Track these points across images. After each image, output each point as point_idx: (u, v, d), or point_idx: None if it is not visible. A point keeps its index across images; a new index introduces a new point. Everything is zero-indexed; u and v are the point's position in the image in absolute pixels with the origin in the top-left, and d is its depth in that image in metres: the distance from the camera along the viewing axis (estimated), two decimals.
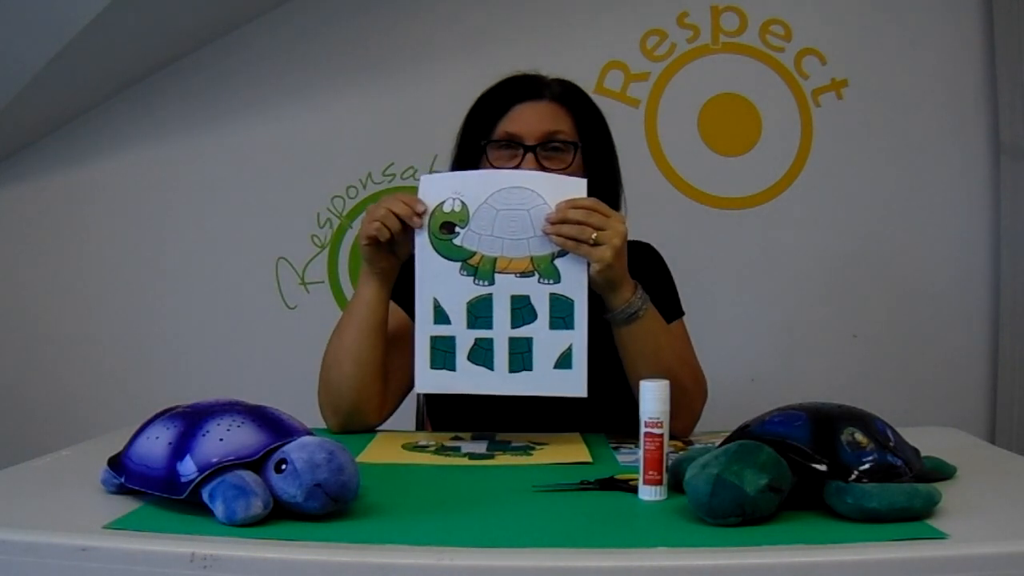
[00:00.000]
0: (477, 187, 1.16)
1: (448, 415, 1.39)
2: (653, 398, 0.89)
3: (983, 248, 2.25)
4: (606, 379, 1.22)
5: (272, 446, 0.83)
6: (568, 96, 1.36)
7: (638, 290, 1.21)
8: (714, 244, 2.27)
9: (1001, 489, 0.94)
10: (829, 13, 2.26)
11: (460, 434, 1.26)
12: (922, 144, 2.25)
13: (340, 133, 2.32)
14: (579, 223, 1.13)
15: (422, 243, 1.17)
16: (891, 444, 0.86)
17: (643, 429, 0.89)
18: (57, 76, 2.05)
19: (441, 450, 1.15)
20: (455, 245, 1.16)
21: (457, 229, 1.16)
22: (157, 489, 0.83)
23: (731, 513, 0.78)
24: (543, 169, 1.29)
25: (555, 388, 1.15)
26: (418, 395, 1.51)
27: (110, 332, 2.35)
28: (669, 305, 1.39)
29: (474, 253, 1.16)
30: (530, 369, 1.15)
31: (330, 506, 0.80)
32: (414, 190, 1.19)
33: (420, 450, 1.15)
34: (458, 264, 1.16)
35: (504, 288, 1.15)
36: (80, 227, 2.36)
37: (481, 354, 1.16)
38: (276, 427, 0.85)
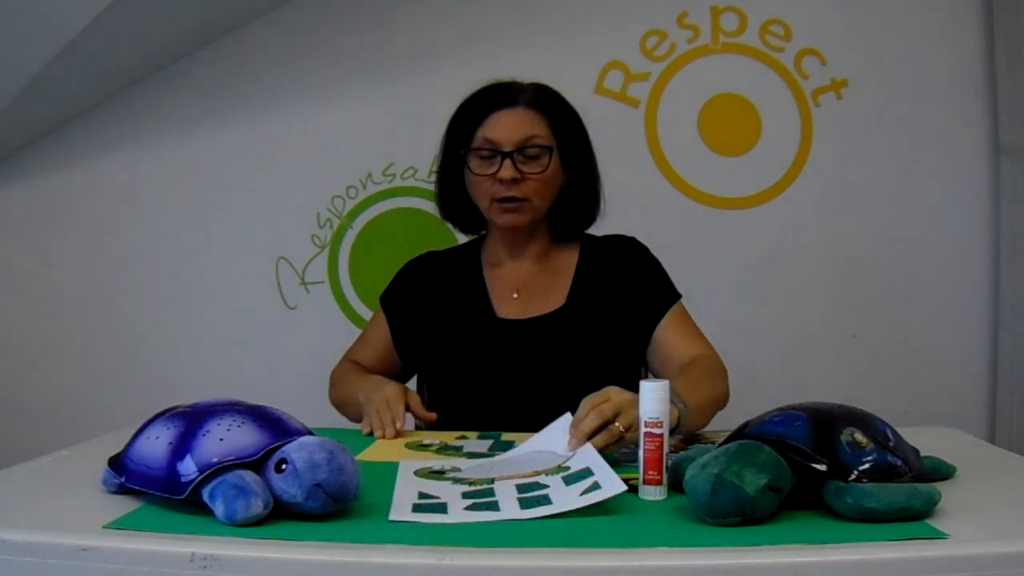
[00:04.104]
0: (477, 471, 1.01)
1: (449, 414, 1.39)
2: (653, 398, 0.89)
3: (983, 248, 2.24)
4: (607, 379, 1.22)
5: (272, 446, 0.83)
6: (542, 100, 1.40)
7: (676, 402, 1.12)
8: (714, 244, 2.27)
9: (1001, 489, 0.94)
10: (829, 13, 2.26)
11: (466, 433, 1.27)
12: (922, 144, 2.25)
13: (340, 133, 2.32)
14: (601, 428, 1.04)
15: (405, 470, 1.01)
16: (891, 444, 0.86)
17: (643, 429, 0.89)
18: (57, 76, 2.04)
19: (443, 449, 1.15)
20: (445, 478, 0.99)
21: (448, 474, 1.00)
22: (157, 489, 0.83)
23: (731, 513, 0.78)
24: (520, 172, 1.34)
25: (587, 501, 0.86)
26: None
27: (110, 332, 2.35)
28: (664, 292, 1.42)
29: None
30: (550, 503, 0.86)
31: (330, 506, 0.80)
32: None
33: (422, 449, 1.15)
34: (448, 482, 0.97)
35: (507, 486, 0.93)
36: (80, 227, 2.36)
37: (483, 505, 0.87)
38: (276, 427, 0.86)
